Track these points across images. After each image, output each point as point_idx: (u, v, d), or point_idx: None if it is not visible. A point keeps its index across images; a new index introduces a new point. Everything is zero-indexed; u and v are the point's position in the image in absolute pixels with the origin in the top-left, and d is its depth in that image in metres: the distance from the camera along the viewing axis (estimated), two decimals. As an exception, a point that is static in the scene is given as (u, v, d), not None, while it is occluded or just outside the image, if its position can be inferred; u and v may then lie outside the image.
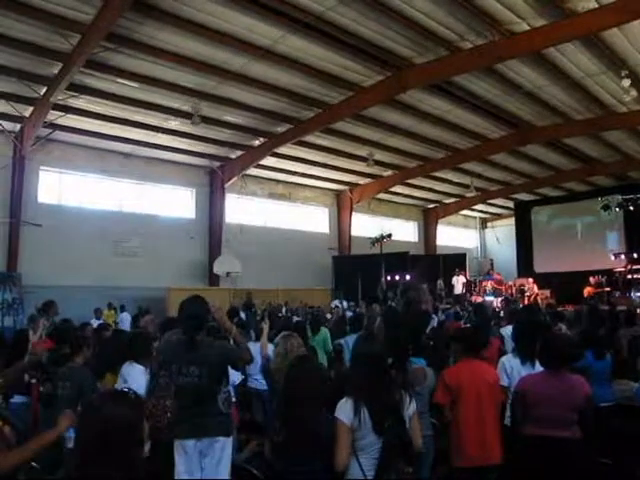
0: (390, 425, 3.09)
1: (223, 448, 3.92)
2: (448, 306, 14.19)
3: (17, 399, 6.06)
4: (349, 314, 12.35)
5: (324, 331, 7.85)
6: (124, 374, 4.63)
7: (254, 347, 5.89)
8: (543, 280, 20.80)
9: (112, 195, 17.15)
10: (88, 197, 16.55)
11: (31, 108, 13.54)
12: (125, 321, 13.42)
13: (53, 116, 13.69)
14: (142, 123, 14.90)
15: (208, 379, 3.89)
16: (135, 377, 4.49)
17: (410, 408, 3.26)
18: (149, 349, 4.92)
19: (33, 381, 6.03)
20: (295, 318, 11.01)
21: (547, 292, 20.05)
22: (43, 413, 5.38)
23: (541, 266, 23.56)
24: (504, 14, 10.74)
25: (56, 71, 11.88)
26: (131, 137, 15.78)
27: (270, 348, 4.99)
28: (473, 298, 19.19)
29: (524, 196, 26.08)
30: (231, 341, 4.39)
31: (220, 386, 3.97)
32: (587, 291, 19.04)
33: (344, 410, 3.11)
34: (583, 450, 3.72)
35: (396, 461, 3.09)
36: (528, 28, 11.06)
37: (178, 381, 3.97)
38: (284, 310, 15.00)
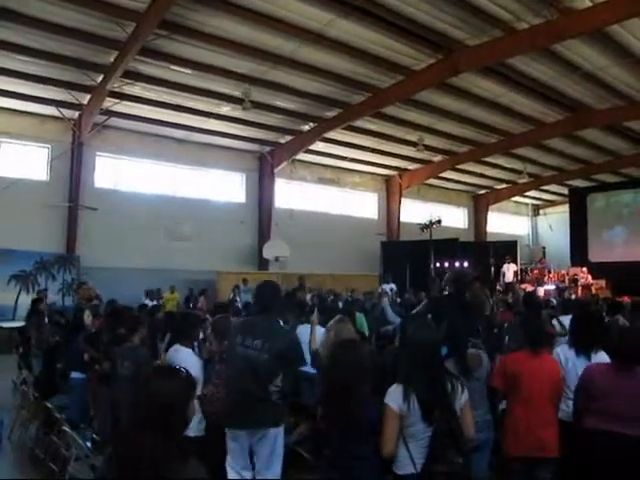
0: (440, 415, 3.06)
1: (275, 438, 3.96)
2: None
3: (75, 375, 6.34)
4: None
5: (358, 317, 7.81)
6: (171, 358, 4.61)
7: (306, 329, 5.96)
8: (598, 270, 20.03)
9: (165, 180, 17.57)
10: (142, 182, 17.02)
11: (88, 96, 13.98)
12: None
13: (109, 103, 14.08)
14: (194, 109, 15.13)
15: (268, 354, 3.91)
16: (182, 360, 4.39)
17: (462, 398, 3.21)
18: (193, 331, 4.96)
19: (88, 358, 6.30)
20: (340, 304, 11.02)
21: (602, 282, 19.35)
22: (101, 391, 5.60)
23: (596, 255, 22.68)
24: (564, -9, 10.32)
25: (112, 59, 12.20)
26: (184, 123, 16.06)
27: (321, 332, 5.00)
28: (523, 286, 18.73)
29: (579, 182, 25.13)
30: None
31: (276, 374, 3.98)
32: (646, 282, 18.26)
33: (394, 396, 3.08)
34: None
35: (446, 452, 3.06)
36: (590, 4, 10.54)
37: (237, 351, 4.03)
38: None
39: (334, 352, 3.46)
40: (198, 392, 4.24)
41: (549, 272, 20.43)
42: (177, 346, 4.70)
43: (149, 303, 11.31)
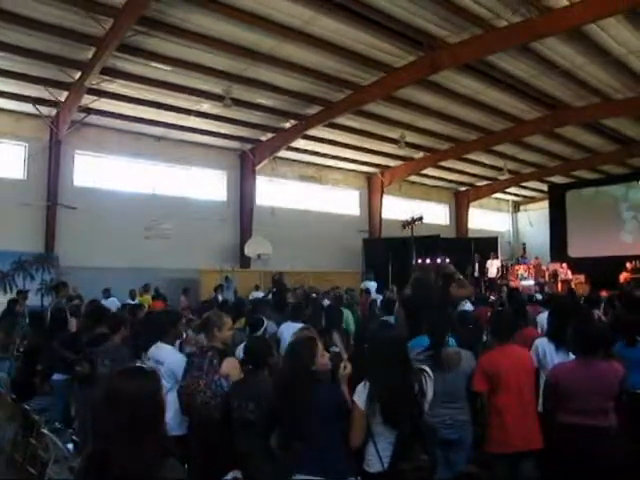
0: (405, 415, 3.06)
1: None
2: None
3: (57, 377, 6.25)
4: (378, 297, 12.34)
5: (345, 313, 7.84)
6: (154, 356, 4.60)
7: (291, 325, 5.97)
8: (577, 265, 20.34)
9: (145, 178, 17.37)
10: (122, 180, 16.80)
11: (66, 93, 13.76)
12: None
13: (87, 100, 13.86)
14: (174, 106, 14.98)
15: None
16: (166, 356, 4.51)
17: (429, 394, 3.21)
18: (173, 328, 4.95)
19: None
20: (326, 301, 11.02)
21: (581, 277, 19.64)
22: (80, 392, 5.51)
23: (576, 251, 23.03)
24: (542, -10, 10.42)
25: (90, 55, 12.01)
26: (163, 120, 15.91)
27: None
28: (514, 284, 18.90)
29: (558, 179, 25.47)
30: None
31: None
32: (623, 277, 18.55)
33: (361, 395, 3.10)
34: (617, 439, 3.62)
35: (412, 450, 3.08)
36: (567, 3, 10.67)
37: None
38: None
39: (290, 346, 3.55)
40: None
41: (529, 268, 20.63)
42: (159, 343, 4.71)
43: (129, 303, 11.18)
